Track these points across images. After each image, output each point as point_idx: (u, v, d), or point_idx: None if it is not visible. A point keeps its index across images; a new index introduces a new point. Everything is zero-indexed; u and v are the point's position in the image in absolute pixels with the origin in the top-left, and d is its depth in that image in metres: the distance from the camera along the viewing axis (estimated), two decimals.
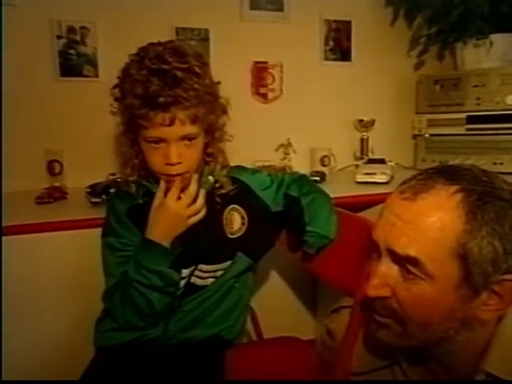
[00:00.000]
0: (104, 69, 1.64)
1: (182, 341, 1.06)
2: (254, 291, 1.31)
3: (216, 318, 1.08)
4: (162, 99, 0.90)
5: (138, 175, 1.06)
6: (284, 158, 1.84)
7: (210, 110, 0.99)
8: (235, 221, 1.08)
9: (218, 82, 1.03)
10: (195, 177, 1.01)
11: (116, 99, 1.00)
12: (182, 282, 1.04)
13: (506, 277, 0.59)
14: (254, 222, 1.09)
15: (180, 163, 0.96)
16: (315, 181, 1.46)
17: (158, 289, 0.98)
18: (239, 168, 1.16)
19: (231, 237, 1.08)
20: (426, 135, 1.89)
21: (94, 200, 1.31)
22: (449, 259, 0.58)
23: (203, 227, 1.03)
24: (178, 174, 0.98)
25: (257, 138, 1.82)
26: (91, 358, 1.08)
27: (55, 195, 1.42)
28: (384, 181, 1.58)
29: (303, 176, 1.22)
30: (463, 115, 1.77)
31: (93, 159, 1.62)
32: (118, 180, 1.13)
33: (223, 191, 1.07)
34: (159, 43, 0.97)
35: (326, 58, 1.96)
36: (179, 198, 0.98)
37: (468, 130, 1.76)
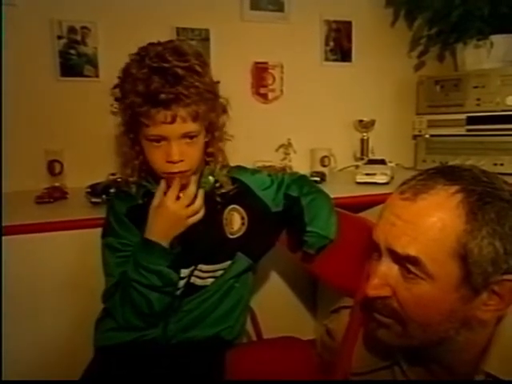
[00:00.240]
0: (104, 69, 1.64)
1: (181, 341, 1.06)
2: (254, 291, 1.31)
3: (216, 318, 1.08)
4: (163, 96, 0.90)
5: (138, 176, 1.06)
6: (284, 159, 1.84)
7: (211, 108, 0.99)
8: (235, 221, 1.08)
9: (218, 82, 1.04)
10: (194, 178, 1.02)
11: (116, 99, 1.00)
12: (182, 282, 1.05)
13: (506, 277, 0.59)
14: (253, 222, 1.09)
15: (181, 161, 0.97)
16: (315, 181, 1.46)
17: (156, 288, 0.98)
18: (239, 168, 1.16)
19: (231, 237, 1.08)
20: (427, 136, 1.89)
21: (94, 200, 1.31)
22: (449, 259, 0.58)
23: (203, 227, 1.03)
24: (180, 172, 0.98)
25: (257, 139, 1.82)
26: (91, 358, 1.08)
27: (55, 195, 1.42)
28: (384, 181, 1.58)
29: (303, 176, 1.22)
30: (463, 116, 1.77)
31: (93, 159, 1.62)
32: (119, 180, 1.13)
33: (223, 191, 1.07)
34: (159, 43, 0.97)
35: (327, 59, 1.97)
36: (178, 198, 0.98)
37: (468, 130, 1.76)
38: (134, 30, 1.60)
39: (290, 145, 1.84)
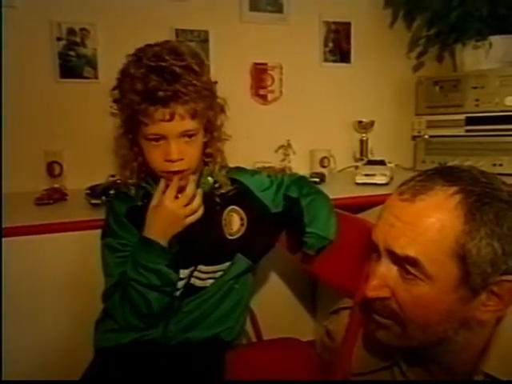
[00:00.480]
0: (104, 70, 1.64)
1: (181, 342, 1.06)
2: (254, 292, 1.31)
3: (215, 319, 1.08)
4: (161, 93, 0.91)
5: (138, 177, 1.06)
6: (284, 160, 1.84)
7: (209, 106, 1.00)
8: (234, 222, 1.08)
9: (215, 82, 1.04)
10: (193, 178, 1.02)
11: (115, 100, 1.01)
12: (182, 283, 1.05)
13: (504, 278, 0.59)
14: (253, 223, 1.09)
15: (181, 160, 0.97)
16: (315, 182, 1.46)
17: (155, 288, 0.98)
18: (238, 169, 1.16)
19: (230, 238, 1.08)
20: (426, 136, 1.90)
21: (93, 201, 1.30)
22: (448, 260, 0.58)
23: (202, 228, 1.03)
24: (179, 171, 0.98)
25: (256, 140, 1.82)
26: (91, 359, 1.08)
27: (55, 196, 1.42)
28: (383, 182, 1.59)
29: (303, 177, 1.22)
30: (462, 116, 1.77)
31: (93, 160, 1.62)
32: (118, 182, 1.13)
33: (222, 191, 1.08)
34: (156, 44, 0.98)
35: (326, 60, 1.97)
36: (176, 197, 0.98)
37: (467, 131, 1.77)
38: (133, 32, 1.61)
39: (289, 146, 1.84)
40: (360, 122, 1.96)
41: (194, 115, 0.95)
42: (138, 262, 0.97)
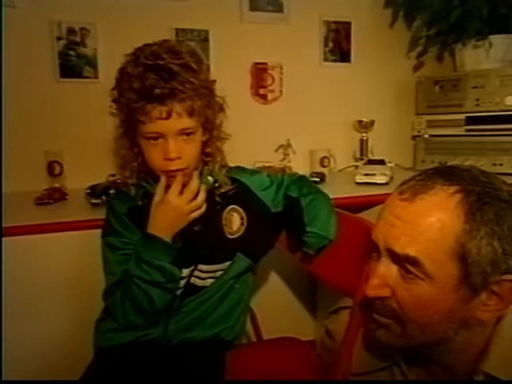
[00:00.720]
0: (104, 70, 1.64)
1: (181, 341, 1.06)
2: (254, 292, 1.31)
3: (216, 318, 1.08)
4: (157, 91, 0.91)
5: (137, 177, 1.06)
6: (284, 159, 1.84)
7: (207, 104, 0.99)
8: (234, 221, 1.08)
9: (214, 80, 1.04)
10: (196, 173, 1.02)
11: (114, 100, 1.01)
12: (182, 282, 1.05)
13: (505, 277, 0.59)
14: (253, 223, 1.09)
15: (179, 158, 0.97)
16: (315, 182, 1.46)
17: (158, 284, 0.98)
18: (238, 169, 1.16)
19: (230, 237, 1.08)
20: (426, 136, 1.90)
21: (93, 201, 1.31)
22: (448, 259, 0.58)
23: (202, 227, 1.04)
24: (178, 170, 0.98)
25: (256, 139, 1.82)
26: (91, 359, 1.08)
27: (55, 196, 1.42)
28: (383, 182, 1.59)
29: (303, 177, 1.22)
30: (462, 116, 1.77)
31: (93, 160, 1.62)
32: (118, 181, 1.13)
33: (223, 190, 1.08)
34: (154, 43, 0.98)
35: (326, 59, 1.97)
36: (181, 193, 0.98)
37: (467, 130, 1.77)
38: (133, 31, 1.60)
39: (289, 145, 1.84)
40: (360, 121, 1.96)
41: (191, 113, 0.95)
42: (142, 258, 0.97)
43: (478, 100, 1.73)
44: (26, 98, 1.58)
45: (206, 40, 1.75)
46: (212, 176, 1.08)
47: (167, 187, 1.00)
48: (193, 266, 1.05)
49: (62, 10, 1.58)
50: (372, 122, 1.95)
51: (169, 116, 0.93)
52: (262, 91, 1.90)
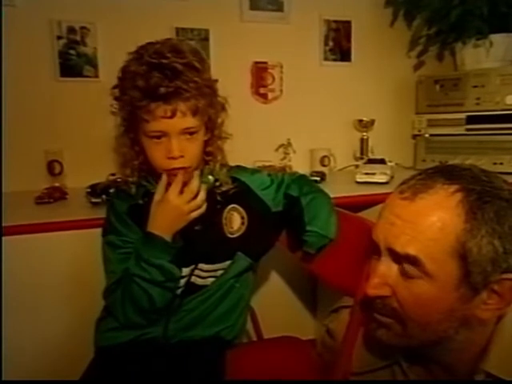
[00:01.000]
0: (104, 69, 1.64)
1: (182, 340, 1.06)
2: (254, 291, 1.31)
3: (216, 317, 1.08)
4: (162, 89, 0.91)
5: (138, 176, 1.06)
6: (284, 158, 1.84)
7: (210, 104, 1.00)
8: (235, 220, 1.08)
9: (216, 80, 1.04)
10: (197, 172, 1.02)
11: (116, 98, 1.00)
12: (183, 281, 1.05)
13: (505, 276, 0.59)
14: (253, 222, 1.09)
15: (182, 157, 0.97)
16: (315, 181, 1.46)
17: (158, 283, 0.98)
18: (239, 168, 1.16)
19: (231, 236, 1.08)
20: (426, 135, 1.89)
21: (94, 200, 1.31)
22: (448, 258, 0.58)
23: (202, 227, 1.04)
24: (180, 168, 0.98)
25: (257, 138, 1.82)
26: (91, 359, 1.08)
27: (55, 195, 1.42)
28: (384, 181, 1.58)
29: (303, 176, 1.22)
30: (463, 115, 1.77)
31: (93, 159, 1.62)
32: (118, 180, 1.13)
33: (223, 189, 1.08)
34: (157, 42, 0.98)
35: (326, 59, 1.97)
36: (181, 192, 0.98)
37: (468, 130, 1.76)
38: (133, 30, 1.60)
39: (289, 144, 1.84)
40: (360, 120, 1.96)
41: (195, 112, 0.96)
42: (142, 256, 0.97)
43: (478, 99, 1.73)
44: (26, 98, 1.58)
45: (206, 39, 1.75)
46: (212, 175, 1.08)
47: (168, 186, 1.00)
48: (193, 265, 1.05)
49: (62, 9, 1.58)
50: (372, 121, 1.95)
51: (173, 115, 0.93)
52: (262, 90, 1.90)
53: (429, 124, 1.89)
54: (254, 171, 1.18)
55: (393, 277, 0.63)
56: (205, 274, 1.06)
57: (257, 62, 1.87)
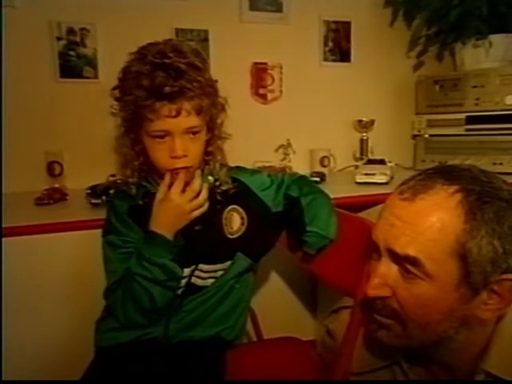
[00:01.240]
0: (104, 70, 1.64)
1: (182, 341, 1.06)
2: (254, 292, 1.31)
3: (216, 318, 1.08)
4: (167, 89, 0.91)
5: (138, 176, 1.06)
6: (284, 159, 1.84)
7: (212, 103, 1.01)
8: (234, 221, 1.08)
9: (216, 80, 1.05)
10: (199, 172, 1.03)
11: (117, 99, 1.01)
12: (183, 282, 1.05)
13: (505, 276, 0.59)
14: (253, 223, 1.09)
15: (185, 156, 0.98)
16: (315, 181, 1.46)
17: (160, 282, 0.98)
18: (239, 168, 1.16)
19: (230, 237, 1.08)
20: (426, 135, 1.90)
21: (94, 201, 1.31)
22: (448, 259, 0.58)
23: (202, 227, 1.04)
24: (183, 168, 0.98)
25: (256, 139, 1.82)
26: (92, 359, 1.08)
27: (55, 196, 1.42)
28: (383, 181, 1.59)
29: (303, 176, 1.23)
30: (462, 115, 1.77)
31: (93, 160, 1.62)
32: (118, 181, 1.14)
33: (223, 188, 1.08)
34: (159, 42, 0.99)
35: (326, 59, 1.97)
36: (183, 191, 0.99)
37: (467, 130, 1.77)
38: (133, 31, 1.60)
39: (289, 145, 1.84)
40: (360, 121, 1.96)
41: (199, 111, 0.96)
42: (143, 255, 0.97)
43: (477, 99, 1.73)
44: (26, 99, 1.58)
45: (206, 40, 1.76)
46: (212, 175, 1.08)
47: (171, 185, 1.00)
48: (193, 265, 1.05)
49: (61, 10, 1.58)
50: (372, 122, 1.95)
51: (178, 114, 0.94)
52: (261, 91, 1.90)
53: (428, 124, 1.89)
54: (254, 172, 1.18)
55: (393, 277, 0.63)
56: (205, 274, 1.06)
57: (256, 63, 1.87)
